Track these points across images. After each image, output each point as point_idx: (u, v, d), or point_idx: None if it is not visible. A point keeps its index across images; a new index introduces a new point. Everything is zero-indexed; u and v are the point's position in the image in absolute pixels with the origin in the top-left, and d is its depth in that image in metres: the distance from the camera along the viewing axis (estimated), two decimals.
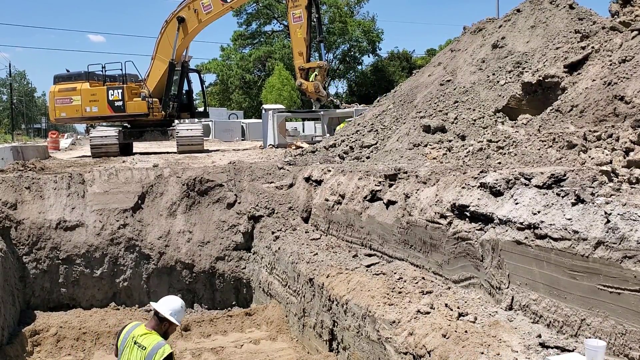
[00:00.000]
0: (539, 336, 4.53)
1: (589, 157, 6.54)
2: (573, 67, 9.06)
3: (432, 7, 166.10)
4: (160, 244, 10.24)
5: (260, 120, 25.87)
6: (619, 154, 6.31)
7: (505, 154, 8.15)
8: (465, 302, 5.56)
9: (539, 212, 4.98)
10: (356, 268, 7.24)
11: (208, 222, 10.63)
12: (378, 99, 15.74)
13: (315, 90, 19.65)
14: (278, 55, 49.11)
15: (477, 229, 5.73)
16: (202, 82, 24.62)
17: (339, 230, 9.16)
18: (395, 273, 6.68)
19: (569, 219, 4.62)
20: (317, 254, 8.27)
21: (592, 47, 9.02)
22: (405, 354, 5.07)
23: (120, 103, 19.41)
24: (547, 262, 4.73)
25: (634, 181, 5.38)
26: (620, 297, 4.08)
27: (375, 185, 8.26)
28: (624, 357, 4.02)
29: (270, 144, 19.86)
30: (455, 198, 6.20)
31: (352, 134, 13.34)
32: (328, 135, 18.56)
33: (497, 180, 5.73)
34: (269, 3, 51.29)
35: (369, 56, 57.66)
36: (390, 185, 7.96)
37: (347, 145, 12.97)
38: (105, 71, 19.92)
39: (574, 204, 4.74)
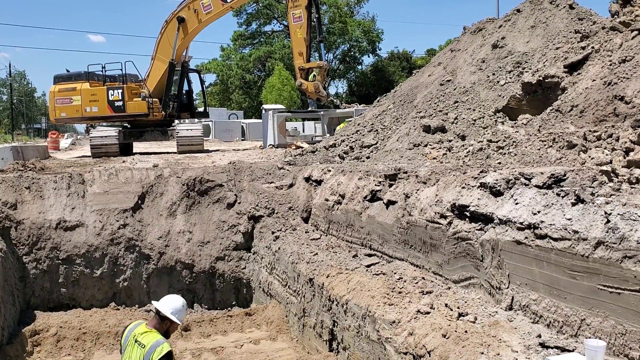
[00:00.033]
0: (539, 336, 4.53)
1: (589, 157, 6.54)
2: (573, 67, 9.06)
3: (432, 7, 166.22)
4: (160, 244, 10.24)
5: (260, 120, 25.87)
6: (619, 154, 6.32)
7: (505, 154, 8.16)
8: (465, 302, 5.56)
9: (539, 212, 4.98)
10: (356, 268, 7.24)
11: (208, 222, 10.63)
12: (378, 99, 15.74)
13: (315, 90, 19.66)
14: (278, 55, 49.12)
15: (477, 229, 5.73)
16: (202, 82, 24.64)
17: (339, 230, 9.16)
18: (395, 273, 6.68)
19: (569, 219, 4.62)
20: (317, 254, 8.27)
21: (592, 47, 9.02)
22: (405, 354, 5.07)
23: (120, 103, 19.42)
24: (547, 262, 4.74)
25: (634, 181, 5.38)
26: (620, 297, 4.08)
27: (375, 185, 8.26)
28: (624, 357, 4.02)
29: (270, 144, 19.87)
30: (455, 198, 6.20)
31: (352, 134, 13.34)
32: (328, 135, 18.56)
33: (497, 180, 5.74)
34: (269, 3, 51.29)
35: (369, 56, 57.78)
36: (390, 185, 7.96)
37: (347, 145, 12.97)
38: (105, 71, 19.93)
39: (574, 204, 4.74)
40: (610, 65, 7.93)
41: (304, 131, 32.00)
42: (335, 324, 6.81)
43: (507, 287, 5.23)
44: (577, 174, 5.27)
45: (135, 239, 10.17)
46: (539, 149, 7.48)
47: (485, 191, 5.86)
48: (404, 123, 12.10)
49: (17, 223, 9.73)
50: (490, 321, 4.96)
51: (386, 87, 37.29)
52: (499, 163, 7.64)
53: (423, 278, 6.42)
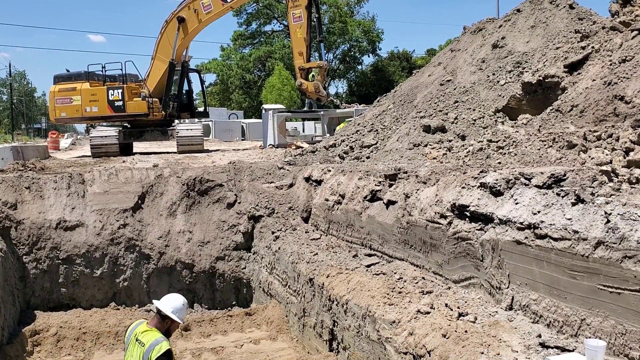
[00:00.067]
0: (539, 336, 4.53)
1: (589, 157, 6.54)
2: (573, 67, 9.06)
3: (432, 7, 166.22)
4: (160, 244, 10.24)
5: (260, 120, 25.86)
6: (619, 154, 6.32)
7: (505, 154, 8.16)
8: (465, 302, 5.56)
9: (539, 212, 4.98)
10: (356, 268, 7.24)
11: (208, 222, 10.63)
12: (378, 99, 15.74)
13: (315, 90, 19.66)
14: (278, 55, 49.12)
15: (477, 229, 5.74)
16: (202, 82, 24.63)
17: (339, 230, 9.16)
18: (395, 273, 6.68)
19: (569, 219, 4.63)
20: (317, 253, 8.28)
21: (592, 47, 9.02)
22: (405, 354, 5.07)
23: (121, 103, 19.42)
24: (547, 262, 4.74)
25: (634, 181, 5.38)
26: (620, 297, 4.08)
27: (375, 185, 8.26)
28: (624, 357, 4.03)
29: (270, 144, 19.86)
30: (455, 198, 6.20)
31: (352, 134, 13.34)
32: (328, 135, 18.56)
33: (497, 180, 5.74)
34: (269, 3, 51.29)
35: (369, 56, 57.79)
36: (390, 185, 7.96)
37: (347, 145, 12.97)
38: (105, 71, 19.93)
39: (574, 204, 4.74)
40: (610, 65, 7.93)
41: (304, 131, 31.98)
42: (336, 323, 6.81)
43: (507, 287, 5.24)
44: (577, 174, 5.27)
45: (135, 239, 10.17)
46: (539, 149, 7.48)
47: (485, 191, 5.86)
48: (404, 123, 12.10)
49: (17, 223, 9.73)
50: (491, 321, 4.96)
51: (386, 87, 37.30)
52: (499, 163, 7.64)
53: (423, 278, 6.42)
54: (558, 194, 4.98)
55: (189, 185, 10.82)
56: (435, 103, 11.78)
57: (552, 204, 4.94)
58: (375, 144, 12.26)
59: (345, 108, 21.40)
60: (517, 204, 5.32)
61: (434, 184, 6.89)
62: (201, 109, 24.19)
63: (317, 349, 7.38)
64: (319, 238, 9.29)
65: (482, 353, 4.35)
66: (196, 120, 25.32)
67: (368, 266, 7.24)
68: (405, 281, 6.37)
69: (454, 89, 11.81)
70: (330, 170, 10.40)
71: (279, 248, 9.24)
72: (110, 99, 19.42)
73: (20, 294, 9.44)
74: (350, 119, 16.86)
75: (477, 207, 5.80)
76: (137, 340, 4.82)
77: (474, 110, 10.89)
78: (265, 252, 9.83)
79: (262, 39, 55.10)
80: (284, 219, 10.43)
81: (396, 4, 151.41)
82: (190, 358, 8.19)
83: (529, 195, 5.28)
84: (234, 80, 51.75)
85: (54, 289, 9.79)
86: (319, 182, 10.50)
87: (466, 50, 13.35)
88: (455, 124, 10.77)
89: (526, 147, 7.78)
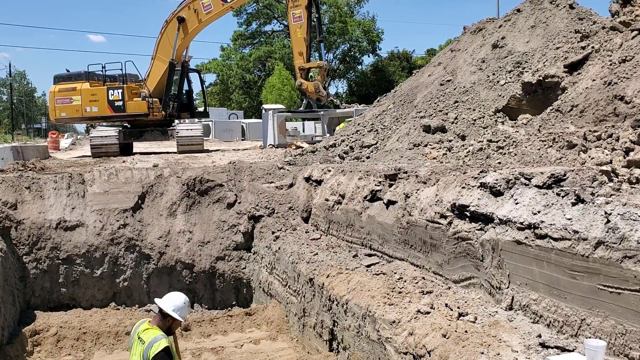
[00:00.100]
0: (539, 336, 4.53)
1: (589, 157, 6.54)
2: (573, 67, 9.06)
3: (432, 7, 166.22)
4: (161, 244, 10.25)
5: (260, 120, 25.86)
6: (619, 154, 6.32)
7: (505, 153, 8.16)
8: (465, 302, 5.56)
9: (539, 212, 4.98)
10: (356, 268, 7.24)
11: (208, 222, 10.63)
12: (378, 99, 15.75)
13: (315, 90, 19.67)
14: (278, 55, 49.12)
15: (477, 229, 5.74)
16: (202, 82, 24.65)
17: (339, 230, 9.16)
18: (395, 273, 6.68)
19: (569, 219, 4.63)
20: (317, 253, 8.28)
21: (592, 47, 9.02)
22: (405, 354, 5.08)
23: (121, 103, 19.42)
24: (547, 262, 4.74)
25: (634, 181, 5.38)
26: (620, 297, 4.08)
27: (375, 185, 8.26)
28: (624, 357, 4.03)
29: (270, 144, 19.87)
30: (455, 198, 6.20)
31: (352, 134, 13.35)
32: (328, 135, 18.56)
33: (497, 180, 5.74)
34: (269, 3, 51.29)
35: (369, 56, 57.77)
36: (390, 185, 7.96)
37: (347, 145, 12.97)
38: (105, 71, 19.94)
39: (574, 204, 4.74)
40: (611, 65, 7.93)
41: (304, 131, 31.99)
42: (336, 323, 6.81)
43: (507, 287, 5.24)
44: (577, 174, 5.27)
45: (135, 239, 10.17)
46: (539, 149, 7.48)
47: (485, 191, 5.86)
48: (404, 123, 12.10)
49: (17, 223, 9.73)
50: (491, 321, 4.96)
51: (386, 87, 37.29)
52: (499, 163, 7.65)
53: (423, 278, 6.42)
54: (558, 194, 4.98)
55: (189, 185, 10.82)
56: (435, 103, 11.78)
57: (552, 204, 4.94)
58: (375, 144, 12.26)
59: (345, 108, 21.41)
60: (517, 204, 5.33)
61: (434, 184, 6.89)
62: (201, 109, 24.19)
63: (317, 349, 7.38)
64: (319, 238, 9.29)
65: (482, 353, 4.35)
66: (196, 120, 25.32)
67: (368, 266, 7.24)
68: (405, 281, 6.37)
69: (454, 89, 11.81)
70: (330, 170, 10.40)
71: (279, 248, 9.24)
72: (110, 99, 19.43)
73: (20, 294, 9.44)
74: (350, 119, 16.86)
75: (477, 207, 5.80)
76: (139, 338, 4.91)
77: (474, 110, 10.89)
78: (265, 252, 9.83)
79: (262, 39, 55.11)
80: (284, 219, 10.44)
81: (396, 4, 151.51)
82: (190, 358, 8.19)
83: (529, 195, 5.28)
84: (234, 80, 51.76)
85: (54, 289, 9.79)
86: (319, 182, 10.50)
87: (466, 50, 13.35)
88: (455, 124, 10.77)
89: (526, 147, 7.78)
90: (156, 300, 5.19)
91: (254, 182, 11.19)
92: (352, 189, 8.89)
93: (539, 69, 9.90)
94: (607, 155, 6.42)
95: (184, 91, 21.24)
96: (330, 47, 50.54)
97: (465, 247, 5.91)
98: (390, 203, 7.71)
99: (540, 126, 8.32)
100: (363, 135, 12.97)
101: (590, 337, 4.20)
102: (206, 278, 10.35)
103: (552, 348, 4.31)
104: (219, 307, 10.29)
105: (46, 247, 9.77)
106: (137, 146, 21.51)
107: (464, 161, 8.56)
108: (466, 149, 9.18)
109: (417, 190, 7.16)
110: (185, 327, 9.03)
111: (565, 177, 5.21)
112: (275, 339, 8.59)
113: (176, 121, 21.71)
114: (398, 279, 6.46)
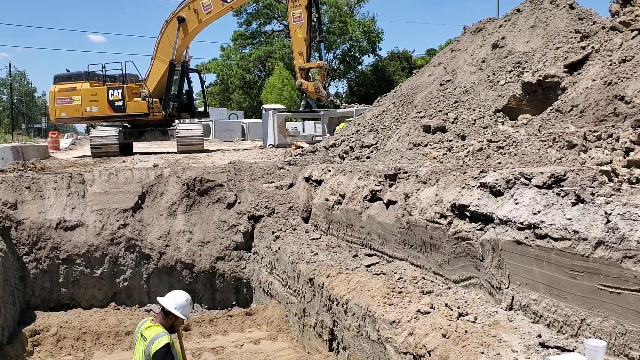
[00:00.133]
0: (539, 336, 4.53)
1: (589, 157, 6.54)
2: (573, 67, 9.06)
3: (432, 7, 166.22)
4: (161, 244, 10.25)
5: (260, 120, 25.85)
6: (619, 154, 6.32)
7: (505, 153, 8.16)
8: (466, 302, 5.56)
9: (539, 212, 4.98)
10: (356, 268, 7.24)
11: (208, 222, 10.64)
12: (378, 99, 15.75)
13: (315, 90, 19.66)
14: (278, 55, 49.12)
15: (477, 229, 5.74)
16: (202, 82, 24.62)
17: (339, 230, 9.16)
18: (395, 273, 6.68)
19: (569, 219, 4.63)
20: (317, 253, 8.28)
21: (592, 47, 9.02)
22: (405, 353, 5.08)
23: (121, 103, 19.42)
24: (547, 262, 4.74)
25: (634, 181, 5.38)
26: (620, 297, 4.08)
27: (375, 185, 8.26)
28: (624, 357, 4.03)
29: (270, 144, 19.87)
30: (456, 198, 6.20)
31: (352, 134, 13.35)
32: (328, 135, 18.56)
33: (497, 180, 5.74)
34: (269, 3, 51.29)
35: (369, 56, 57.75)
36: (391, 185, 7.96)
37: (347, 145, 12.97)
38: (106, 71, 19.93)
39: (574, 204, 4.74)
40: (611, 65, 7.93)
41: (304, 131, 31.98)
42: (336, 323, 6.82)
43: (507, 287, 5.24)
44: (577, 174, 5.27)
45: (135, 239, 10.17)
46: (539, 149, 7.48)
47: (485, 191, 5.86)
48: (404, 123, 12.10)
49: (17, 223, 9.73)
50: (491, 321, 4.96)
51: (386, 87, 37.30)
52: (499, 163, 7.65)
53: (423, 278, 6.42)
54: (558, 194, 4.98)
55: (189, 185, 10.82)
56: (435, 103, 11.78)
57: (552, 204, 4.94)
58: (375, 144, 12.26)
59: (345, 108, 21.41)
60: (517, 204, 5.33)
61: (434, 184, 6.89)
62: (201, 109, 24.19)
63: (317, 349, 7.38)
64: (319, 238, 9.29)
65: (482, 353, 4.35)
66: (196, 120, 25.32)
67: (368, 266, 7.24)
68: (405, 281, 6.37)
69: (454, 89, 11.81)
70: (330, 170, 10.40)
71: (279, 248, 9.24)
72: (111, 99, 19.43)
73: (20, 294, 9.44)
74: (350, 119, 16.86)
75: (477, 207, 5.80)
76: (141, 336, 4.97)
77: (474, 110, 10.89)
78: (266, 252, 9.83)
79: (262, 39, 55.10)
80: (284, 219, 10.44)
81: (396, 4, 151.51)
82: (191, 358, 8.19)
83: (529, 195, 5.28)
84: (234, 80, 51.75)
85: (54, 289, 9.79)
86: (319, 182, 10.50)
87: (466, 50, 13.35)
88: (455, 124, 10.77)
89: (526, 147, 7.78)
90: (159, 298, 5.26)
91: (254, 182, 11.19)
92: (352, 189, 8.89)
93: (539, 69, 9.90)
94: (607, 155, 6.42)
95: (184, 91, 21.23)
96: (330, 47, 50.53)
97: (465, 247, 5.91)
98: (390, 203, 7.71)
99: (540, 126, 8.32)
100: (363, 135, 12.97)
101: (590, 337, 4.20)
102: (206, 278, 10.35)
103: (552, 348, 4.31)
104: (219, 307, 10.29)
105: (46, 247, 9.77)
106: (137, 146, 21.51)
107: (464, 161, 8.56)
108: (466, 149, 9.18)
109: (417, 190, 7.16)
110: (185, 327, 9.03)
111: (565, 177, 5.21)
112: (275, 339, 8.59)
113: (176, 121, 21.71)
114: (398, 279, 6.46)
